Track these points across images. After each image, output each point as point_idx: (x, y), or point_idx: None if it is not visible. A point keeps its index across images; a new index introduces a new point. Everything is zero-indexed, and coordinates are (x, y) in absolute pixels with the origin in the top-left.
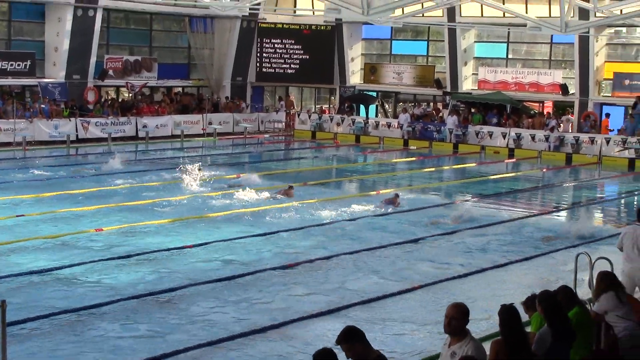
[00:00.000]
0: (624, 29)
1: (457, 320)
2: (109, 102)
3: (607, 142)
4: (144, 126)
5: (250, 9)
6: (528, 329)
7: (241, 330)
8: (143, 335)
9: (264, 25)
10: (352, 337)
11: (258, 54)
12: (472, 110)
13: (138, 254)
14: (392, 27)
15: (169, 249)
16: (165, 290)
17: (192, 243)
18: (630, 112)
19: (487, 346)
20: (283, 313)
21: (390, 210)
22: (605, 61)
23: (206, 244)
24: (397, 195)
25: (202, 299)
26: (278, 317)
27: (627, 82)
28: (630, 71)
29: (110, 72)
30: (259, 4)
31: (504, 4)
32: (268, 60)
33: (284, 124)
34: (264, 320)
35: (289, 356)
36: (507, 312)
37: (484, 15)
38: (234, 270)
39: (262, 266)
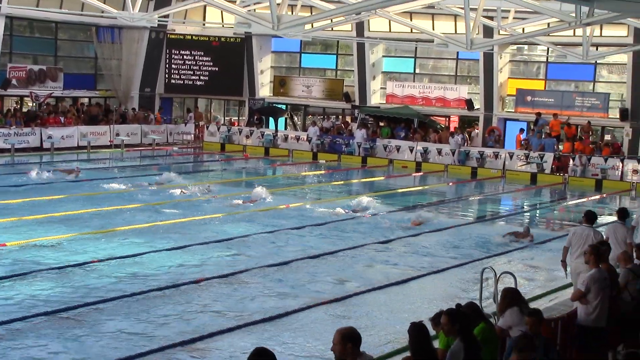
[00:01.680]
0: (526, 47)
1: (335, 345)
2: (12, 112)
3: (511, 156)
4: (49, 137)
5: (159, 20)
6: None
7: (152, 347)
8: (52, 352)
9: (173, 36)
10: (261, 359)
11: (167, 65)
12: (381, 124)
13: (44, 270)
14: (301, 41)
15: (76, 264)
16: (74, 306)
17: (97, 258)
18: (532, 127)
19: None
20: (194, 328)
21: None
22: (509, 77)
23: (114, 258)
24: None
25: (111, 315)
26: (189, 332)
27: (529, 98)
28: (532, 87)
29: (14, 81)
30: (167, 15)
31: (411, 20)
32: (177, 72)
33: (192, 135)
34: (174, 335)
35: None
36: (417, 330)
37: (392, 31)
38: (142, 285)
39: (173, 281)
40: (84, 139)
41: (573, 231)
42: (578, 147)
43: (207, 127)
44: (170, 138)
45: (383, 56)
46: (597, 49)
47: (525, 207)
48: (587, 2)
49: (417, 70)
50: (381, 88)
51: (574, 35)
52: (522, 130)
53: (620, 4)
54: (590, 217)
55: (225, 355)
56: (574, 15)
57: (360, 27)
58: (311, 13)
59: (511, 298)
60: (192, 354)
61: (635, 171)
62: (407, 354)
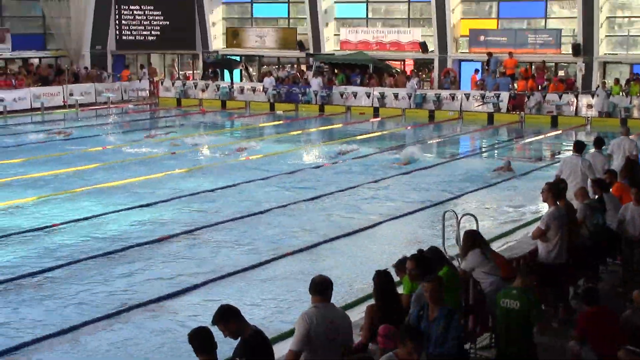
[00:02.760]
0: None
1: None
2: None
3: (467, 97)
4: (1, 100)
5: None
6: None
7: (117, 308)
8: (16, 319)
9: None
10: (226, 316)
11: (117, 22)
12: (336, 71)
13: (4, 235)
14: None
15: (38, 229)
16: (36, 272)
17: (58, 222)
18: (486, 67)
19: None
20: (158, 287)
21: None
22: (461, 18)
23: (74, 221)
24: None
25: (75, 279)
26: (154, 291)
27: (482, 38)
28: (484, 27)
29: None
30: None
31: None
32: (128, 28)
33: (148, 92)
34: (141, 296)
35: (170, 330)
36: (381, 277)
37: None
38: (105, 246)
39: (135, 240)
40: (37, 100)
41: (563, 160)
42: (532, 85)
43: (162, 82)
44: (125, 95)
45: (335, 2)
46: None
47: (483, 147)
48: None
49: (370, 15)
50: (335, 35)
51: None
52: (476, 70)
53: None
54: (579, 147)
55: (190, 313)
56: None
57: None
58: None
59: (472, 240)
60: (155, 313)
61: (589, 106)
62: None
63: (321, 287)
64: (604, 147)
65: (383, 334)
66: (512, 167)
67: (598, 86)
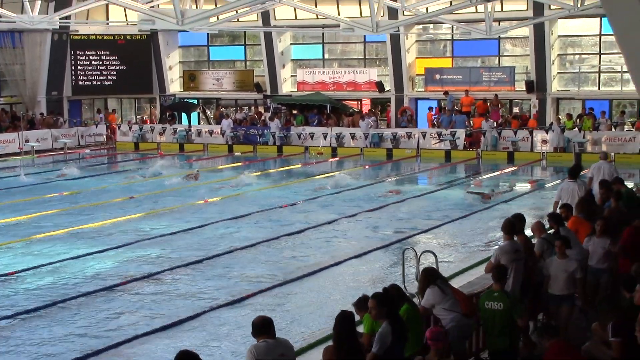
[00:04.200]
0: (431, 26)
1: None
2: None
3: (424, 135)
4: None
5: (60, 21)
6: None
7: (76, 356)
8: None
9: (77, 37)
10: None
11: (73, 67)
12: (294, 112)
13: None
14: (208, 34)
15: None
16: None
17: (15, 269)
18: (443, 105)
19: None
20: (116, 333)
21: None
22: (417, 57)
23: (32, 268)
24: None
25: (32, 327)
26: (111, 338)
27: (437, 76)
28: (440, 66)
29: None
30: (69, 16)
31: (316, 6)
32: (84, 73)
33: (105, 136)
34: (97, 343)
35: None
36: (344, 319)
37: (298, 18)
38: (64, 292)
39: (92, 287)
40: None
41: (561, 187)
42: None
43: (119, 127)
44: (82, 140)
45: (291, 44)
46: (499, 24)
47: (441, 184)
48: None
49: (327, 56)
50: (291, 76)
51: (477, 11)
52: (431, 108)
53: None
54: (573, 172)
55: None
56: None
57: (266, 17)
58: (216, 5)
59: (429, 277)
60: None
61: (544, 141)
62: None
63: (264, 327)
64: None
65: (430, 337)
66: (490, 197)
67: (552, 122)
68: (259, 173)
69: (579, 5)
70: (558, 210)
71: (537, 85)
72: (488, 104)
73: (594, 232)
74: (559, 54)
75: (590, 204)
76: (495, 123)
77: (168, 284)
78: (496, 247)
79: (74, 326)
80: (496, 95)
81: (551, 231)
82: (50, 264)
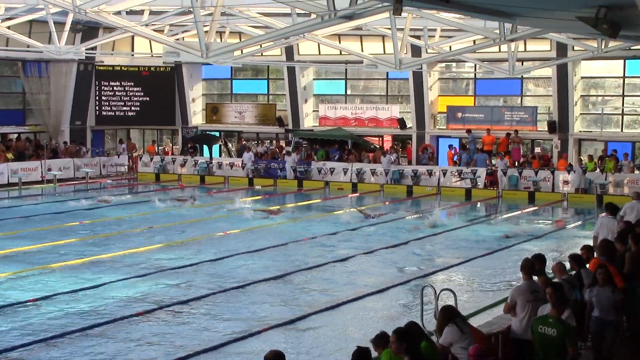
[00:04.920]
0: (454, 64)
1: None
2: None
3: (444, 173)
4: None
5: (86, 52)
6: None
7: None
8: None
9: (102, 68)
10: None
11: (97, 97)
12: (315, 146)
13: None
14: (232, 67)
15: (16, 303)
16: (13, 347)
17: (35, 297)
18: (464, 143)
19: None
20: None
21: None
22: (439, 95)
23: (52, 295)
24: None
25: (50, 356)
26: None
27: (459, 114)
28: (462, 104)
29: None
30: (95, 47)
31: (340, 42)
32: (107, 103)
33: (126, 167)
34: None
35: None
36: (361, 355)
37: (321, 53)
38: (81, 322)
39: (111, 315)
40: (15, 175)
41: (600, 222)
42: (509, 160)
43: (141, 158)
44: (104, 170)
45: (314, 79)
46: (522, 64)
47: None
48: (509, 19)
49: (349, 92)
50: (314, 111)
51: (500, 51)
52: (451, 146)
53: (540, 21)
54: (612, 209)
55: None
56: (498, 32)
57: (289, 51)
58: (240, 39)
59: (448, 316)
60: None
61: (565, 182)
62: None
63: None
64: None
65: (473, 354)
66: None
67: (570, 163)
68: (279, 206)
69: (602, 47)
70: (580, 252)
71: (560, 125)
72: (509, 140)
73: (597, 282)
74: (581, 95)
75: (611, 245)
76: (508, 162)
77: (186, 315)
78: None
79: (90, 355)
80: (516, 131)
81: (572, 272)
82: (69, 292)
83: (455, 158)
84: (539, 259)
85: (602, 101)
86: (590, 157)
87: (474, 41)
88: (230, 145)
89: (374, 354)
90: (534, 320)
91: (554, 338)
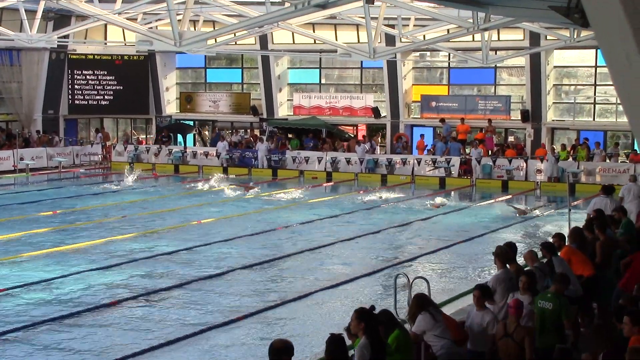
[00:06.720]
0: (428, 53)
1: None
2: None
3: (419, 162)
4: None
5: (58, 40)
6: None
7: None
8: None
9: (75, 56)
10: None
11: (70, 86)
12: (289, 135)
13: None
14: (205, 56)
15: None
16: None
17: (6, 286)
18: (439, 132)
19: None
20: (108, 354)
21: None
22: (413, 84)
23: (25, 285)
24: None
25: (19, 345)
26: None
27: (433, 103)
28: (436, 93)
29: None
30: (67, 35)
31: (314, 31)
32: (80, 92)
33: (100, 156)
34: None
35: None
36: (334, 342)
37: (295, 42)
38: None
39: (86, 305)
40: None
41: (594, 201)
42: (483, 149)
43: (114, 147)
44: (77, 159)
45: (288, 68)
46: (496, 53)
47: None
48: (482, 8)
49: (323, 81)
50: (288, 100)
51: (474, 40)
52: (422, 135)
53: (514, 10)
54: (607, 190)
55: None
56: (471, 21)
57: (264, 40)
58: (214, 28)
59: (421, 304)
60: None
61: (538, 171)
62: None
63: (283, 353)
64: (613, 194)
65: (514, 305)
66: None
67: (546, 152)
68: (252, 196)
69: (575, 36)
70: (552, 240)
71: (533, 114)
72: (484, 132)
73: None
74: (554, 84)
75: (582, 233)
76: (482, 151)
77: (162, 304)
78: (491, 275)
79: (63, 345)
80: (490, 120)
81: (544, 260)
82: (40, 282)
83: (429, 147)
84: (511, 247)
85: (574, 90)
86: (563, 146)
87: (448, 30)
88: (206, 133)
89: (348, 342)
90: (535, 297)
91: (550, 311)
